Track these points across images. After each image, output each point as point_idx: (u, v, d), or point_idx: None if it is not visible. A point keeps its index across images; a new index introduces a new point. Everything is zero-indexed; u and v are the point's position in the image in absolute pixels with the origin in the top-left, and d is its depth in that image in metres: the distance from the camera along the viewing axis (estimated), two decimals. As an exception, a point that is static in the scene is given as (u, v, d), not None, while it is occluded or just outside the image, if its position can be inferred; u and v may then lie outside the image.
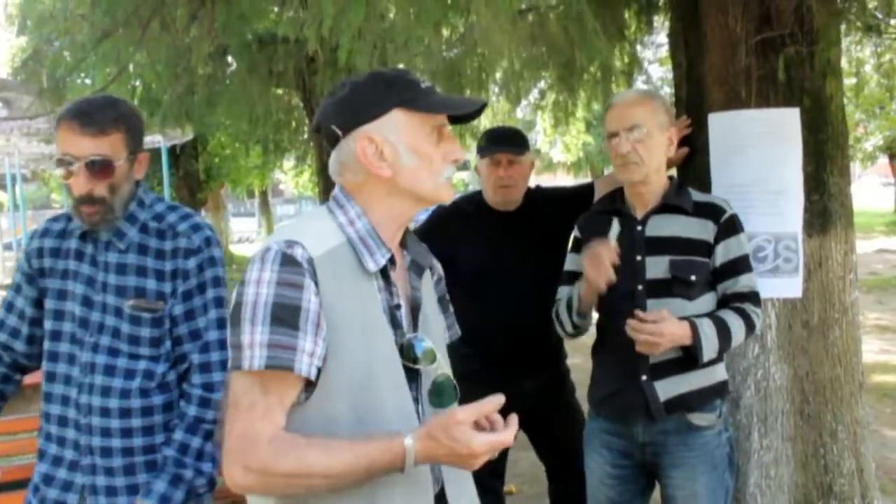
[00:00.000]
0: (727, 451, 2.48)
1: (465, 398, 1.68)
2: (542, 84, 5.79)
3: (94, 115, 1.94)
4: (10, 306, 2.15)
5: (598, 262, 2.29)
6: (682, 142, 3.13)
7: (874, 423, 5.66)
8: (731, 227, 2.41)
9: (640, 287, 2.39)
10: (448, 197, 1.58)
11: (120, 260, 2.01)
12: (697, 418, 2.40)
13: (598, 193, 3.04)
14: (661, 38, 5.46)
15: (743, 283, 2.41)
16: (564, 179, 25.27)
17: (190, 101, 5.56)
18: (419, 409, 1.53)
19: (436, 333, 1.64)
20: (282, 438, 1.36)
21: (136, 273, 2.01)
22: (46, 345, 2.08)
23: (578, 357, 2.71)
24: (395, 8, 2.89)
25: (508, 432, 1.38)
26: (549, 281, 2.77)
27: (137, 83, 7.27)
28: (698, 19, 3.11)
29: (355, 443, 1.36)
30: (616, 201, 2.53)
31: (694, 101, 3.18)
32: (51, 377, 2.05)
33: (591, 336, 2.65)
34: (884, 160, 24.32)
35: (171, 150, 16.42)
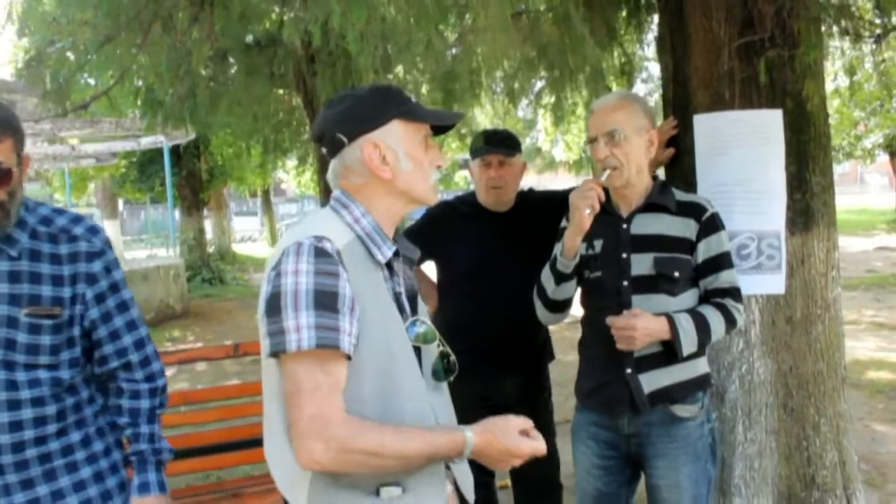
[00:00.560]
0: (709, 441, 2.55)
1: (451, 390, 1.84)
2: (542, 83, 5.86)
3: None
4: None
5: (586, 188, 2.37)
6: (669, 142, 3.23)
7: (866, 419, 5.74)
8: (712, 225, 2.49)
9: (625, 283, 2.48)
10: (435, 199, 1.79)
11: (12, 268, 1.88)
12: (680, 410, 2.48)
13: None
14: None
15: (724, 278, 2.48)
16: (566, 178, 25.30)
17: (192, 103, 5.65)
18: (424, 385, 1.72)
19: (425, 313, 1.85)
20: (355, 420, 1.52)
21: (29, 280, 1.88)
22: None
23: (573, 354, 2.79)
24: (395, 10, 2.97)
25: (542, 442, 1.63)
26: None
27: (140, 83, 7.36)
28: (684, 23, 3.19)
29: (423, 431, 1.57)
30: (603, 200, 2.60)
31: (680, 103, 3.26)
32: None
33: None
34: (884, 157, 24.34)
35: (174, 150, 16.50)
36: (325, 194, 8.15)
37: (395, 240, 1.76)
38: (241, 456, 3.63)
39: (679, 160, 3.24)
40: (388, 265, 1.71)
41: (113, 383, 2.08)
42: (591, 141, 2.49)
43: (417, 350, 1.71)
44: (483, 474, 3.25)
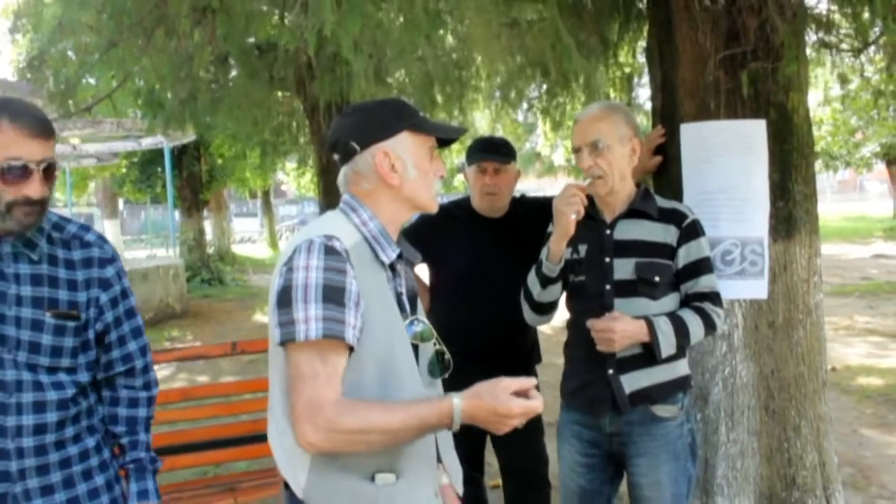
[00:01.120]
0: (689, 441, 2.64)
1: (444, 389, 1.94)
2: (542, 88, 5.95)
3: (44, 119, 1.88)
4: None
5: (569, 193, 2.45)
6: (657, 150, 3.32)
7: (854, 424, 5.83)
8: (692, 231, 2.57)
9: (608, 287, 2.56)
10: (436, 208, 1.91)
11: (34, 271, 1.91)
12: (660, 410, 2.57)
13: None
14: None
15: (703, 283, 2.57)
16: (565, 182, 25.36)
17: (193, 105, 5.74)
18: (421, 380, 1.83)
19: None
20: (344, 401, 1.61)
21: (49, 284, 1.93)
22: None
23: (557, 357, 2.88)
24: (387, 20, 3.06)
25: (539, 401, 1.65)
26: None
27: (141, 83, 7.45)
28: (672, 35, 3.29)
29: (410, 404, 1.64)
30: (587, 206, 2.69)
31: (668, 112, 3.35)
32: None
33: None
34: (880, 166, 24.44)
35: (174, 151, 16.58)
36: (324, 196, 8.23)
37: (398, 243, 1.88)
38: (238, 451, 3.73)
39: (667, 168, 3.33)
40: (392, 266, 1.82)
41: (109, 391, 2.12)
42: (576, 150, 2.58)
43: (415, 347, 1.82)
44: (472, 470, 3.34)
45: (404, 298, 1.85)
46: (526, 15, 3.73)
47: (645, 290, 2.53)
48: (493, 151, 3.29)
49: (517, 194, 3.49)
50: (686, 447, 2.62)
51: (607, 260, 2.57)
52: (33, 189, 1.83)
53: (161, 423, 4.02)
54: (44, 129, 1.84)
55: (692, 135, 3.23)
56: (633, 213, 2.59)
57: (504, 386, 1.62)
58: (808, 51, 3.85)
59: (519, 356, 3.35)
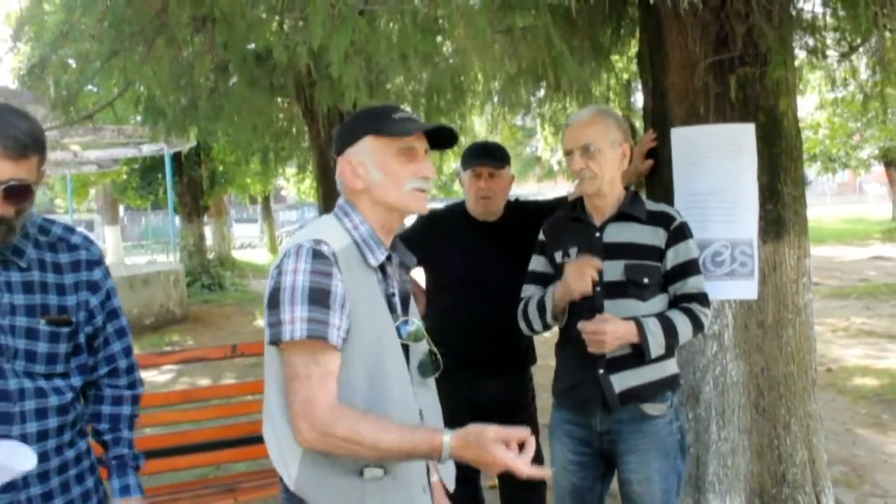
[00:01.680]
0: (678, 438, 2.70)
1: (438, 391, 2.01)
2: (539, 94, 6.02)
3: (19, 138, 1.76)
4: None
5: (583, 274, 2.53)
6: (649, 154, 3.38)
7: (849, 423, 5.89)
8: (680, 233, 2.63)
9: (598, 288, 2.62)
10: (416, 206, 1.91)
11: (24, 278, 1.89)
12: (650, 408, 2.63)
13: None
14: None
15: (691, 284, 2.63)
16: (565, 186, 25.43)
17: (194, 113, 5.80)
18: (410, 378, 1.88)
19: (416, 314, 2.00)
20: (340, 407, 1.67)
21: (40, 290, 1.90)
22: None
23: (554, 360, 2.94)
24: (379, 32, 3.13)
25: (523, 463, 1.63)
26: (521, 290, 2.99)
27: (141, 88, 7.50)
28: (662, 41, 3.35)
29: (403, 428, 1.68)
30: (577, 209, 2.76)
31: (659, 116, 3.42)
32: None
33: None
34: (880, 168, 24.50)
35: (175, 157, 16.65)
36: (324, 201, 8.28)
37: (394, 247, 1.95)
38: (237, 453, 3.78)
39: (658, 171, 3.39)
40: (382, 269, 1.88)
41: (93, 389, 2.12)
42: (568, 153, 2.64)
43: (406, 347, 1.88)
44: (469, 470, 3.39)
45: (396, 300, 1.90)
46: (520, 22, 3.80)
47: (634, 292, 2.59)
48: (487, 156, 3.35)
49: (512, 198, 3.55)
50: (675, 444, 2.68)
51: None
52: None
53: (162, 425, 4.10)
54: (14, 149, 1.74)
55: (682, 138, 3.30)
56: (622, 216, 2.65)
57: (491, 437, 1.62)
58: (803, 54, 3.92)
59: (514, 358, 3.41)
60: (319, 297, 1.70)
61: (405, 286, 1.97)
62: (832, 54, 3.73)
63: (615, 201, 2.66)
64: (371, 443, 1.64)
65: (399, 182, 1.85)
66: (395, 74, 3.76)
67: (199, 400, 4.16)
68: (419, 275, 3.53)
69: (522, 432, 1.65)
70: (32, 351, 1.87)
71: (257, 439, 3.65)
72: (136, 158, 18.05)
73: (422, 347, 1.94)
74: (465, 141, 8.76)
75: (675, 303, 2.64)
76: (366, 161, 1.86)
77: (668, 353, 2.62)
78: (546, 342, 2.88)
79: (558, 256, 2.72)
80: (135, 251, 26.80)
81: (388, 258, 1.89)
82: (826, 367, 7.45)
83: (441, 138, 1.96)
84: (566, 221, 2.77)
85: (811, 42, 3.55)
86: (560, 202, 3.42)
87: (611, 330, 2.48)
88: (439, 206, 4.29)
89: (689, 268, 2.63)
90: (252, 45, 5.52)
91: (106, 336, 2.07)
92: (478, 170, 3.33)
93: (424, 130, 1.87)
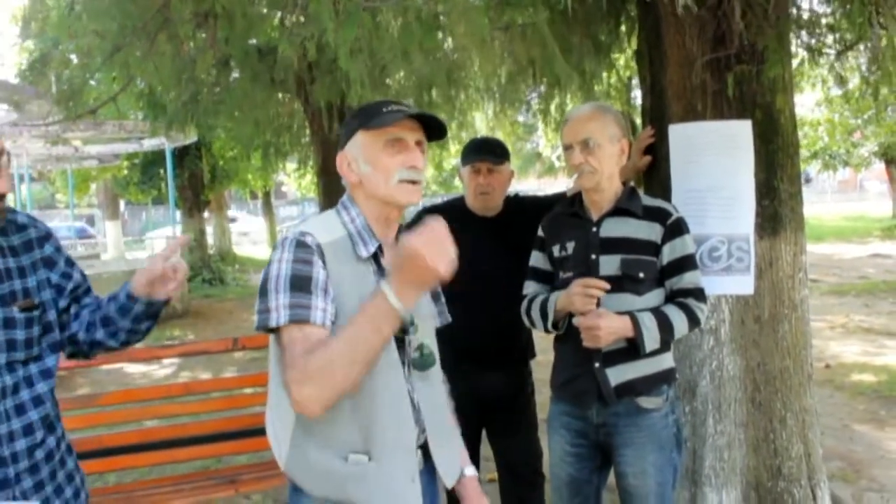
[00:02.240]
0: (674, 431, 2.73)
1: None
2: (539, 90, 6.04)
3: None
4: None
5: (590, 295, 2.56)
6: (647, 150, 3.41)
7: (846, 419, 5.92)
8: (676, 229, 2.66)
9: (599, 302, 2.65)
10: (404, 198, 1.92)
11: None
12: (645, 402, 2.66)
13: None
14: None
15: (687, 279, 2.66)
16: (566, 183, 25.43)
17: (195, 108, 5.83)
18: (405, 370, 1.92)
19: (425, 313, 2.04)
20: (309, 349, 1.69)
21: (6, 277, 1.87)
22: None
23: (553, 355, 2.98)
24: (382, 28, 3.15)
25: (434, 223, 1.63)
26: (521, 285, 2.99)
27: (143, 85, 7.53)
28: (660, 38, 3.38)
29: (353, 315, 1.70)
30: (575, 205, 2.79)
31: (657, 113, 3.45)
32: None
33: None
34: (880, 165, 24.51)
35: (176, 152, 16.67)
36: (324, 197, 8.32)
37: (398, 239, 1.95)
38: (238, 445, 3.82)
39: (656, 167, 3.42)
40: (377, 261, 1.91)
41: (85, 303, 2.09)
42: (567, 148, 2.67)
43: (401, 340, 1.91)
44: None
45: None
46: (519, 19, 3.83)
47: (630, 286, 2.62)
48: (487, 152, 3.37)
49: (511, 194, 3.58)
50: (671, 437, 2.71)
51: (593, 257, 2.66)
52: None
53: (163, 417, 4.13)
54: None
55: (680, 135, 3.33)
56: (619, 211, 2.68)
57: (405, 244, 1.62)
58: (802, 52, 3.94)
59: (513, 352, 3.44)
60: (301, 284, 1.76)
61: None
62: (829, 52, 3.75)
63: (613, 196, 2.69)
64: (340, 350, 1.66)
65: (387, 174, 1.89)
66: (397, 70, 3.78)
67: (200, 392, 4.18)
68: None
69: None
70: (12, 340, 1.84)
71: (258, 432, 3.72)
72: (136, 153, 18.08)
73: (416, 341, 1.96)
74: (465, 137, 8.81)
75: (671, 298, 2.67)
76: (358, 155, 1.92)
77: (664, 347, 2.65)
78: (546, 337, 2.91)
79: (556, 251, 2.76)
80: (135, 246, 26.83)
81: (380, 249, 1.92)
82: (824, 364, 7.48)
83: (436, 129, 1.98)
84: (564, 217, 2.81)
85: (808, 40, 3.57)
86: (559, 198, 3.44)
87: (605, 325, 2.51)
88: (438, 201, 4.32)
89: (686, 263, 2.66)
90: (253, 41, 5.54)
91: (86, 287, 2.08)
92: (477, 165, 3.35)
93: (404, 118, 1.88)
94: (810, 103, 17.26)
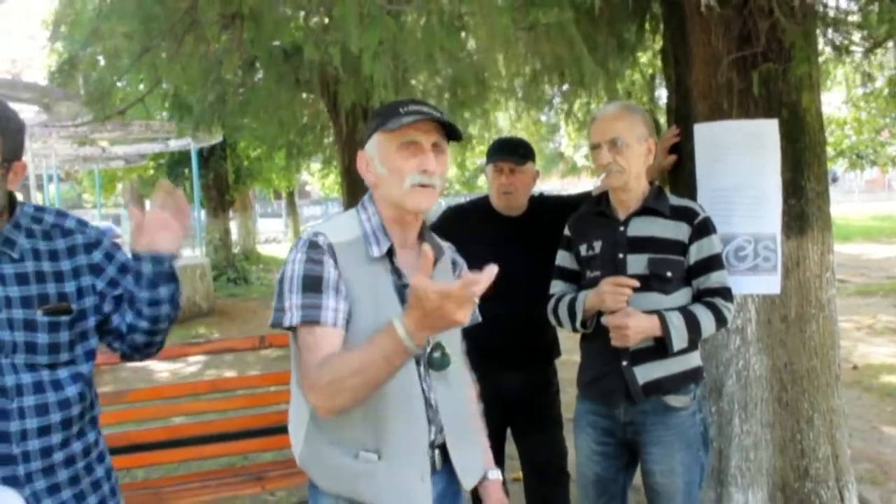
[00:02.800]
0: (701, 430, 2.73)
1: None
2: (562, 90, 6.03)
3: None
4: None
5: (620, 294, 2.56)
6: (672, 149, 3.40)
7: (874, 421, 5.86)
8: (703, 228, 2.66)
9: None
10: (415, 203, 1.89)
11: (17, 270, 1.85)
12: (673, 400, 2.66)
13: None
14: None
15: (714, 279, 2.66)
16: (589, 183, 25.34)
17: (221, 108, 5.89)
18: (422, 370, 1.93)
19: None
20: (324, 360, 1.74)
21: (35, 280, 1.86)
22: None
23: (579, 355, 2.98)
24: (406, 31, 3.17)
25: (456, 281, 1.57)
26: (546, 284, 3.00)
27: (166, 86, 7.61)
28: (686, 37, 3.37)
29: (366, 341, 1.70)
30: (601, 204, 2.80)
31: (682, 112, 3.44)
32: None
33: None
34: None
35: (201, 153, 16.82)
36: (348, 196, 8.36)
37: (423, 237, 2.00)
38: (264, 442, 3.85)
39: (681, 166, 3.41)
40: (392, 260, 1.91)
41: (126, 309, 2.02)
42: (594, 147, 2.67)
43: None
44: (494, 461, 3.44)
45: (407, 291, 1.82)
46: (543, 19, 3.83)
47: (657, 286, 2.62)
48: (510, 152, 3.38)
49: (536, 193, 3.58)
50: (698, 436, 2.71)
51: (621, 256, 2.67)
52: None
53: (190, 414, 4.18)
54: None
55: (706, 134, 3.31)
56: (646, 210, 2.68)
57: (414, 285, 1.56)
58: (828, 50, 3.91)
59: (538, 352, 3.45)
60: (312, 284, 1.80)
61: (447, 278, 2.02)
62: (857, 49, 3.72)
63: (640, 196, 2.70)
64: (349, 369, 1.68)
65: (400, 176, 1.87)
66: (421, 71, 3.80)
67: (226, 390, 4.23)
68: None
69: (426, 252, 1.61)
70: (33, 343, 1.83)
71: (283, 429, 3.71)
72: (162, 154, 18.27)
73: (433, 341, 1.91)
74: (489, 136, 8.82)
75: (698, 297, 2.67)
76: (374, 156, 1.93)
77: (691, 345, 2.65)
78: (571, 337, 2.92)
79: (583, 250, 2.76)
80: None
81: (392, 250, 1.91)
82: (852, 365, 7.41)
83: (454, 131, 1.95)
84: (591, 216, 2.81)
85: (835, 37, 3.54)
86: (584, 197, 3.44)
87: (634, 324, 2.52)
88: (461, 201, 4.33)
89: (713, 263, 2.66)
90: (278, 42, 5.58)
91: (130, 293, 1.99)
92: (500, 165, 3.36)
93: (419, 121, 1.85)
94: (836, 101, 17.06)
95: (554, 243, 2.98)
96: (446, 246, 2.16)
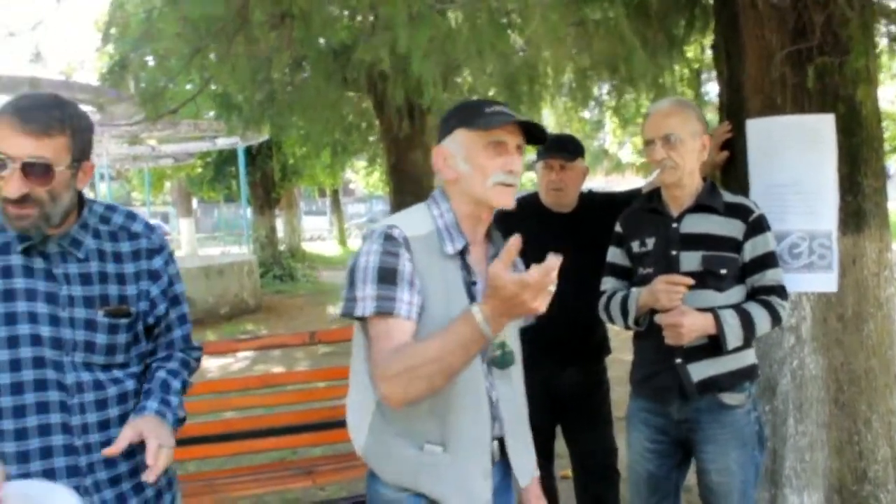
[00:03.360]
0: (756, 429, 2.70)
1: None
2: (610, 86, 5.99)
3: (42, 118, 1.75)
4: None
5: (675, 292, 2.54)
6: (724, 145, 3.36)
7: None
8: (758, 226, 2.63)
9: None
10: (499, 200, 1.95)
11: (82, 270, 1.88)
12: (728, 398, 2.64)
13: None
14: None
15: (769, 277, 2.63)
16: (633, 180, 25.11)
17: (269, 107, 5.96)
18: (485, 367, 1.95)
19: None
20: (397, 350, 1.75)
21: (99, 281, 1.90)
22: None
23: (628, 353, 2.97)
24: (456, 29, 3.18)
25: (532, 270, 1.58)
26: (596, 280, 2.99)
27: (213, 86, 7.72)
28: (738, 31, 3.32)
29: (442, 330, 1.72)
30: (654, 200, 2.77)
31: (734, 108, 3.38)
32: (18, 411, 1.82)
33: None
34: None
35: (248, 151, 17.03)
36: (395, 194, 8.38)
37: (490, 237, 2.03)
38: (314, 437, 3.90)
39: (733, 162, 3.36)
40: (463, 258, 1.93)
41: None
42: (648, 143, 2.66)
43: None
44: (543, 460, 3.43)
45: (476, 288, 1.93)
46: (593, 15, 3.81)
47: (712, 283, 2.60)
48: (559, 149, 3.38)
49: (586, 190, 3.56)
50: (753, 435, 2.68)
51: (674, 253, 2.65)
52: (9, 187, 1.74)
53: (240, 409, 4.24)
54: (37, 127, 1.73)
55: (759, 130, 3.26)
56: (699, 207, 2.66)
57: (492, 273, 1.59)
58: (885, 41, 3.83)
59: (589, 349, 3.44)
60: (387, 276, 1.81)
61: None
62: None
63: (693, 192, 2.67)
64: (426, 358, 1.70)
65: (484, 174, 1.90)
66: (470, 70, 3.81)
67: (275, 385, 4.28)
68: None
69: (514, 241, 1.62)
70: (91, 342, 1.87)
71: (333, 424, 3.80)
72: (209, 152, 18.54)
73: (498, 339, 1.96)
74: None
75: (752, 295, 2.64)
76: (456, 152, 1.93)
77: (746, 344, 2.62)
78: (620, 334, 2.90)
79: (636, 247, 2.75)
80: (207, 242, 27.49)
81: (466, 248, 1.93)
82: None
83: (535, 133, 1.98)
84: (643, 213, 2.79)
85: (891, 29, 3.46)
86: (633, 194, 3.42)
87: (688, 322, 2.50)
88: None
89: (768, 260, 2.63)
90: (326, 41, 5.63)
91: (168, 323, 2.06)
92: (549, 162, 3.36)
93: (509, 122, 1.89)
94: (891, 96, 16.64)
95: (603, 240, 2.97)
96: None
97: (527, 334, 2.90)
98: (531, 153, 3.37)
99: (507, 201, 1.95)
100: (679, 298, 2.53)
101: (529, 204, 3.52)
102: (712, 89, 10.38)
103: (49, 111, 1.77)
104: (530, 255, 3.34)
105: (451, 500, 1.87)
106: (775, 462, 3.28)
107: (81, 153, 1.85)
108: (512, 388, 2.04)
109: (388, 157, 8.54)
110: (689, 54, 6.03)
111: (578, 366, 3.40)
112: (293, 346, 4.63)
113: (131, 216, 2.03)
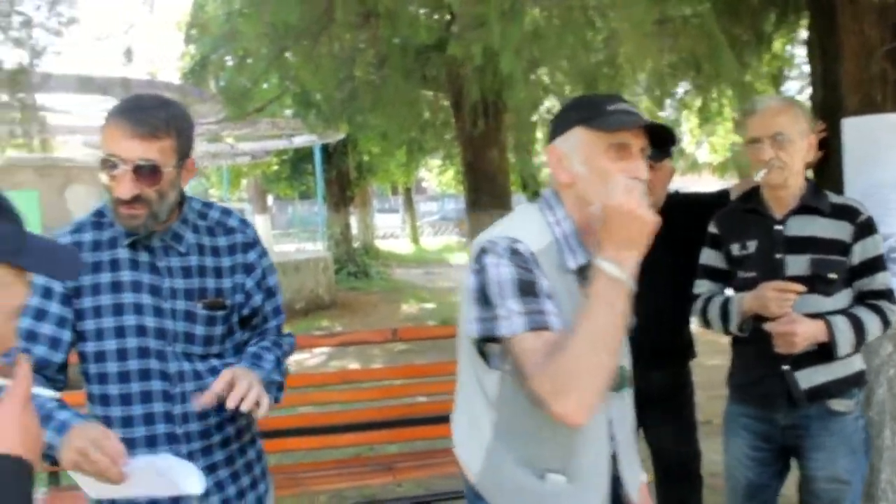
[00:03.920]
0: (864, 436, 2.63)
1: None
2: (687, 84, 5.88)
3: (148, 120, 1.81)
4: (32, 335, 1.89)
5: (786, 299, 2.46)
6: (818, 145, 3.25)
7: None
8: (867, 228, 2.54)
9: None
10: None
11: (183, 263, 1.96)
12: (837, 404, 2.56)
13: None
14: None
15: (879, 281, 2.54)
16: (709, 180, 24.55)
17: (349, 105, 6.02)
18: None
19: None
20: (549, 353, 1.56)
21: (198, 274, 1.97)
22: (99, 368, 1.94)
23: (717, 358, 2.89)
24: (545, 23, 3.16)
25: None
26: (684, 283, 2.94)
27: (289, 85, 7.86)
28: (834, 27, 3.21)
29: (578, 309, 1.60)
30: (752, 201, 2.69)
31: (829, 106, 3.28)
32: (125, 399, 1.92)
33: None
34: None
35: (324, 149, 17.27)
36: (471, 193, 8.37)
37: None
38: (392, 434, 3.92)
39: (827, 162, 3.25)
40: (583, 273, 1.71)
41: None
42: (754, 141, 2.56)
43: None
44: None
45: None
46: (678, 11, 3.73)
47: (820, 288, 2.52)
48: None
49: (671, 191, 3.50)
50: (861, 442, 2.62)
51: (778, 256, 2.57)
52: (121, 188, 1.81)
53: (318, 404, 4.30)
54: (146, 130, 1.80)
55: (857, 129, 3.14)
56: (804, 209, 2.57)
57: (600, 210, 1.61)
58: None
59: (674, 350, 3.37)
60: (528, 289, 1.63)
61: None
62: None
63: (797, 193, 2.59)
64: (581, 345, 1.54)
65: (605, 180, 1.68)
66: (548, 67, 3.78)
67: (353, 381, 4.33)
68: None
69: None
70: (191, 333, 1.95)
71: (410, 422, 3.82)
72: (286, 150, 18.85)
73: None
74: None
75: (860, 299, 2.56)
76: (572, 153, 1.74)
77: (855, 351, 2.55)
78: (698, 338, 2.82)
79: (735, 249, 2.66)
80: (282, 239, 27.98)
81: (588, 264, 1.69)
82: None
83: (660, 137, 1.80)
84: (741, 213, 2.70)
85: None
86: (722, 195, 3.35)
87: (801, 331, 2.42)
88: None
89: (877, 264, 2.55)
90: (407, 39, 5.67)
91: (264, 314, 2.11)
92: (637, 162, 3.30)
93: (641, 126, 1.72)
94: None
95: (691, 241, 2.90)
96: None
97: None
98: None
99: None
100: (790, 306, 2.45)
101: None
102: (792, 87, 10.12)
103: (156, 113, 1.83)
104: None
105: None
106: (871, 474, 3.16)
107: (185, 152, 1.91)
108: (625, 408, 1.92)
109: (464, 156, 8.54)
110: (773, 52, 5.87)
111: (665, 367, 3.34)
112: (373, 343, 4.66)
113: (227, 212, 2.10)
